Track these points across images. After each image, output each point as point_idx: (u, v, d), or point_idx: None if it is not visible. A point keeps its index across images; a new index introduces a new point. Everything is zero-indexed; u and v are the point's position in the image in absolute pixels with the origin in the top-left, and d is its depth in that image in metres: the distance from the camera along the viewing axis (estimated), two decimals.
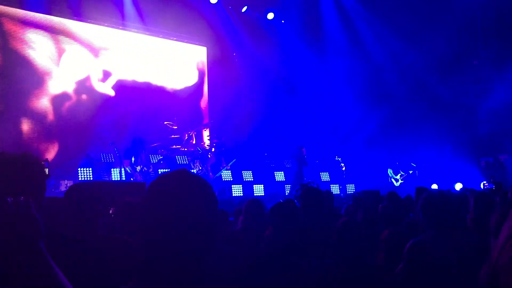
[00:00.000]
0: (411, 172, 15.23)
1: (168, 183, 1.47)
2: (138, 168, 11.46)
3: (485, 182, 12.75)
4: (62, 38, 13.35)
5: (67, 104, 13.32)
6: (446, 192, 3.59)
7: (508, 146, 14.39)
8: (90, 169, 11.41)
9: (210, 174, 12.71)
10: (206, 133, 15.22)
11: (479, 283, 0.94)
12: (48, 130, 12.86)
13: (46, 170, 4.30)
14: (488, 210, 3.42)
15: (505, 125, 14.27)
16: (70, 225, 2.82)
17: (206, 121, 15.98)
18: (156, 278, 1.40)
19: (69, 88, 13.34)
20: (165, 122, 13.85)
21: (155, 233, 1.41)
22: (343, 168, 14.86)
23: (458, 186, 13.38)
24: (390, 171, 15.51)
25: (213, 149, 13.69)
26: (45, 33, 13.02)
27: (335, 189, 14.21)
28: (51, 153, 12.74)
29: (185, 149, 13.46)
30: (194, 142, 13.65)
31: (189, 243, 1.40)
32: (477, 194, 5.13)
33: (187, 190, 1.45)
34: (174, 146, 13.58)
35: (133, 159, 11.52)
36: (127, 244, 2.97)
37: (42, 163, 2.07)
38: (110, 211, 4.88)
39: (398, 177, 15.32)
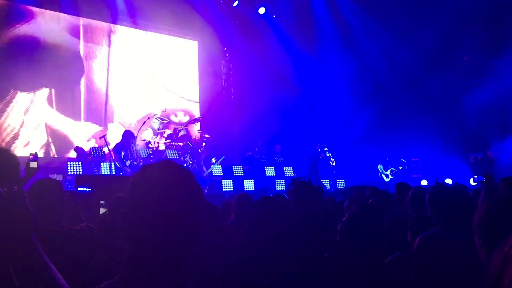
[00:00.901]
0: (401, 168, 15.29)
1: (151, 173, 1.45)
2: (128, 162, 11.41)
3: (475, 176, 12.83)
4: (51, 31, 13.26)
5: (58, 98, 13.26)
6: (454, 186, 3.58)
7: (497, 142, 14.45)
8: (80, 163, 11.34)
9: (204, 168, 12.69)
10: (196, 128, 15.19)
11: (487, 272, 0.93)
12: (38, 123, 12.79)
13: (35, 164, 4.27)
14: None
15: (494, 121, 14.33)
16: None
17: (197, 115, 15.94)
18: (141, 272, 1.37)
19: (60, 82, 13.26)
20: (156, 117, 13.83)
21: (139, 225, 1.38)
22: (333, 164, 14.87)
23: (448, 182, 13.46)
24: (380, 167, 15.57)
25: (203, 144, 13.68)
26: (34, 25, 12.93)
27: (325, 184, 14.23)
28: (40, 147, 12.67)
29: (176, 144, 13.43)
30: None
31: (172, 235, 1.38)
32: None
33: (170, 180, 1.42)
34: (164, 141, 13.57)
35: (122, 153, 11.47)
36: (91, 237, 2.96)
37: (14, 155, 2.05)
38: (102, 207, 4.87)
39: (388, 172, 15.38)
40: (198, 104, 16.54)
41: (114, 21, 14.52)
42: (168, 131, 13.90)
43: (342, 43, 16.53)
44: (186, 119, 15.64)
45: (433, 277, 3.08)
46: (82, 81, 13.82)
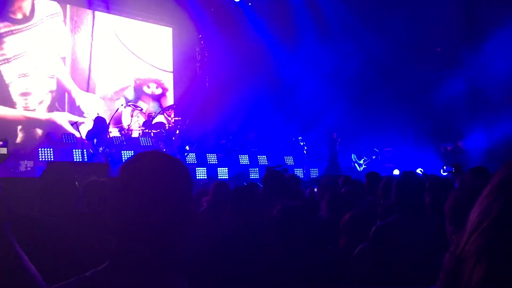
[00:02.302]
0: (374, 157, 15.44)
1: (144, 163, 1.42)
2: (101, 149, 11.29)
3: (444, 167, 13.03)
4: (20, 16, 13.00)
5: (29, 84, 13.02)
6: (421, 176, 3.62)
7: (467, 132, 14.68)
8: (51, 149, 11.17)
9: (178, 156, 12.62)
10: (170, 115, 15.09)
11: (441, 269, 0.94)
12: (8, 110, 12.56)
13: (5, 150, 4.19)
14: (444, 194, 3.41)
15: (465, 111, 14.56)
16: (46, 205, 2.84)
17: (170, 103, 15.84)
18: (129, 261, 1.36)
19: (30, 68, 13.02)
20: (129, 103, 13.70)
21: (128, 215, 1.36)
22: (306, 152, 14.99)
23: (419, 171, 13.66)
24: (353, 156, 15.70)
25: (177, 131, 13.63)
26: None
27: (299, 173, 14.28)
28: (10, 133, 12.43)
29: (149, 131, 13.35)
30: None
31: (163, 226, 1.36)
32: (432, 178, 5.22)
33: (164, 171, 1.40)
34: (138, 127, 13.47)
35: (95, 140, 11.34)
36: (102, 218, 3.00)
37: None
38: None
39: (361, 162, 15.53)
40: (172, 91, 16.43)
41: (88, 5, 14.29)
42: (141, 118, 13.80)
43: (317, 33, 16.55)
44: (160, 106, 15.54)
45: (387, 266, 3.11)
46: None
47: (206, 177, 12.50)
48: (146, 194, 1.36)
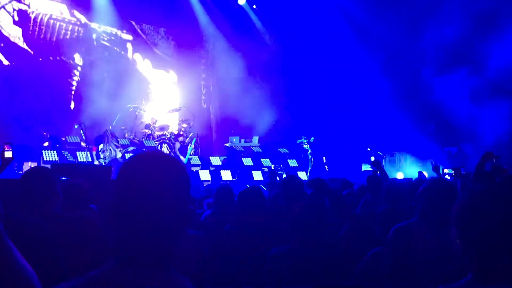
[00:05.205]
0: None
1: (145, 163, 1.43)
2: (102, 155, 11.34)
3: (444, 169, 12.96)
4: None
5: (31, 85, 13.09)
6: (449, 183, 3.54)
7: (471, 136, 14.63)
8: (55, 151, 11.20)
9: (182, 158, 12.67)
10: (174, 118, 15.10)
11: None
12: (12, 110, 12.61)
13: (10, 153, 4.21)
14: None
15: (470, 115, 14.51)
16: (25, 207, 2.82)
17: (174, 106, 15.85)
18: (132, 260, 1.36)
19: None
20: (129, 105, 13.70)
21: (128, 214, 1.37)
22: (310, 156, 14.97)
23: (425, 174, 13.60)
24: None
25: (181, 133, 13.69)
26: None
27: (302, 176, 14.23)
28: (15, 135, 12.46)
29: (153, 133, 13.39)
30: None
31: (162, 225, 1.37)
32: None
33: (164, 171, 1.41)
34: (142, 130, 13.50)
35: (101, 146, 11.39)
36: (87, 221, 2.99)
37: None
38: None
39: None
40: (177, 94, 16.47)
41: None
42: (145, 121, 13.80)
43: (318, 33, 16.56)
44: (164, 109, 15.56)
45: (405, 268, 3.08)
46: None
47: (210, 180, 12.45)
48: (145, 194, 1.36)
